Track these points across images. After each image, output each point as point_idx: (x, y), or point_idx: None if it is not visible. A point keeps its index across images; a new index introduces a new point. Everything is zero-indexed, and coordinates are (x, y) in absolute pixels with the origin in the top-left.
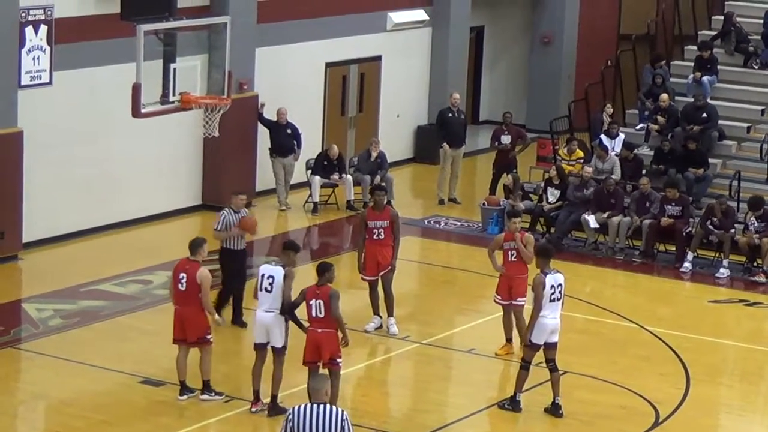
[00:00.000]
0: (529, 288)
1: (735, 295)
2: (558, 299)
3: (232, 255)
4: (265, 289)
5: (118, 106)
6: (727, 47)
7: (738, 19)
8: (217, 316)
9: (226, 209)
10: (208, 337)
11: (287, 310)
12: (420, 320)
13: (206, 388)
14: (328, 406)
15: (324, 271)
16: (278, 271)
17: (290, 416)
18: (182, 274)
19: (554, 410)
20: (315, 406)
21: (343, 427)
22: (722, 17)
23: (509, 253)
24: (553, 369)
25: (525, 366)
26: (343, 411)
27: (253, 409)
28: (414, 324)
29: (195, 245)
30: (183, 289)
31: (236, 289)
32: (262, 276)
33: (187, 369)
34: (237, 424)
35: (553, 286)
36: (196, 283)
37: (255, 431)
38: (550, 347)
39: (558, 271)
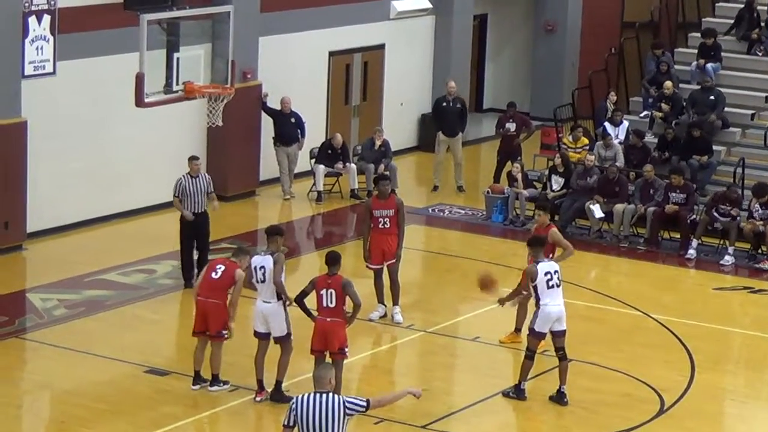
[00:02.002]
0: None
1: (740, 282)
2: (557, 285)
3: (194, 218)
4: (260, 280)
5: (121, 96)
6: (738, 33)
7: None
8: (231, 324)
9: (183, 175)
10: (224, 333)
11: (296, 300)
12: (424, 309)
13: (215, 380)
14: (330, 394)
15: (336, 262)
16: (268, 260)
17: (294, 405)
18: (220, 265)
19: (559, 398)
20: (318, 395)
21: (346, 413)
22: (728, 4)
23: None
24: (562, 357)
25: (529, 355)
26: (345, 398)
27: (258, 399)
28: (418, 312)
29: (241, 251)
30: (216, 277)
31: (202, 252)
32: (255, 268)
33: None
34: (242, 413)
35: (548, 273)
36: (230, 277)
37: (259, 420)
38: (558, 335)
39: (551, 259)
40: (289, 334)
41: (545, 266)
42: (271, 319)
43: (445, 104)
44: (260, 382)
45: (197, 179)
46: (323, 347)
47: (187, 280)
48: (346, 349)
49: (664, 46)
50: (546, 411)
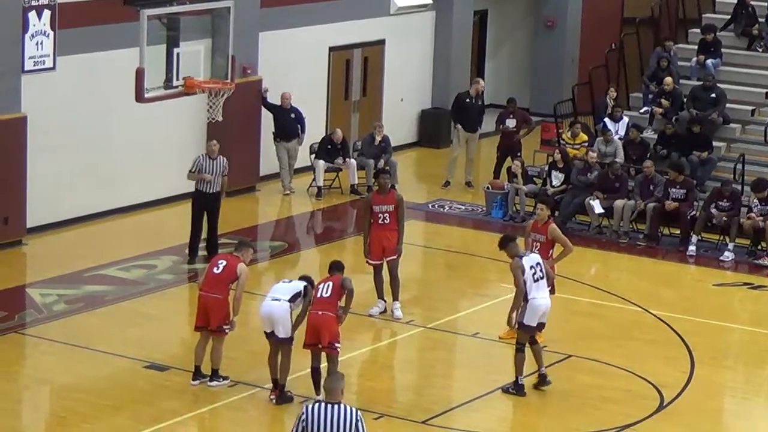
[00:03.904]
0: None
1: (739, 278)
2: (541, 278)
3: (205, 197)
4: (283, 281)
5: (121, 91)
6: (736, 29)
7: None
8: (233, 318)
9: (201, 155)
10: (225, 327)
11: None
12: (424, 304)
13: (215, 375)
14: (342, 405)
15: (340, 269)
16: (298, 285)
17: (303, 415)
18: (222, 260)
19: (541, 381)
20: (329, 405)
21: (357, 428)
22: (727, 0)
23: (534, 243)
24: (532, 343)
25: (520, 348)
26: (357, 410)
27: (273, 397)
28: (418, 308)
29: (243, 244)
30: (218, 272)
31: (212, 228)
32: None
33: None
34: (242, 408)
35: (532, 267)
36: (232, 272)
37: (259, 415)
38: (538, 327)
39: (532, 252)
40: (291, 338)
41: (528, 260)
42: (276, 317)
43: (468, 100)
44: (275, 381)
45: (215, 161)
46: (315, 340)
47: (191, 255)
48: (337, 345)
49: (674, 39)
50: (546, 406)
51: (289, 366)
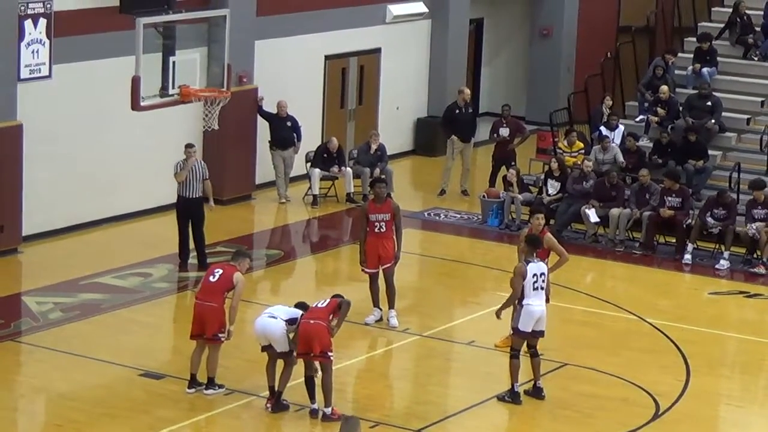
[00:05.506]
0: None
1: (735, 286)
2: (541, 288)
3: (189, 202)
4: (281, 303)
5: (117, 100)
6: (731, 38)
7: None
8: (230, 327)
9: (181, 160)
10: (221, 336)
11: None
12: (420, 312)
13: (210, 383)
14: None
15: (341, 297)
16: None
17: None
18: (219, 269)
19: (536, 393)
20: None
21: None
22: (723, 8)
23: None
24: (533, 355)
25: (515, 354)
26: None
27: (268, 405)
28: (414, 316)
29: (240, 254)
30: (214, 280)
31: (197, 235)
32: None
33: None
34: (237, 416)
35: (535, 275)
36: (228, 281)
37: (255, 423)
38: (536, 335)
39: (541, 260)
40: (291, 351)
41: (534, 267)
42: (271, 335)
43: (458, 111)
44: (272, 389)
45: (195, 165)
46: (307, 350)
47: (182, 261)
48: (330, 354)
49: (676, 51)
50: (541, 415)
51: (290, 376)
